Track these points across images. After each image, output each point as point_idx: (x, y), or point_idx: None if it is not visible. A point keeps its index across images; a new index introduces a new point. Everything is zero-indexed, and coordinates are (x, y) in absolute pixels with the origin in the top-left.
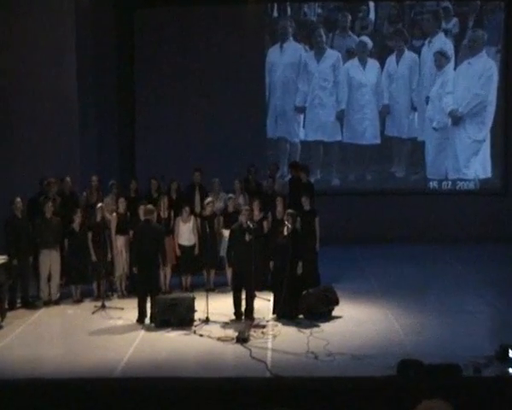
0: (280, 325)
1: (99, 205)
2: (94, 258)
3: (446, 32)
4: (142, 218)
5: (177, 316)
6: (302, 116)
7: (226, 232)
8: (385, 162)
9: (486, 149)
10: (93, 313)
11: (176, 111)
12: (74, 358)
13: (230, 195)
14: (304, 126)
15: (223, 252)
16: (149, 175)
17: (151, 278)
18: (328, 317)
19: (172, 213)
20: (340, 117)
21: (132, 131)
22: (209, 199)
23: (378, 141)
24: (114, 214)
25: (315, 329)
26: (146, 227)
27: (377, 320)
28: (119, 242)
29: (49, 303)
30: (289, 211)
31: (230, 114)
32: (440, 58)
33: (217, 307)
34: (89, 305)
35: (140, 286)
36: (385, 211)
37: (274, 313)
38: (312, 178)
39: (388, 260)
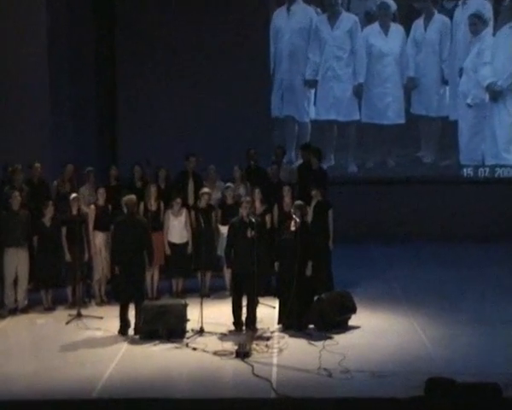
0: (287, 336)
1: (74, 196)
2: (68, 258)
3: None
4: (125, 210)
5: (167, 326)
6: (313, 91)
7: (224, 228)
8: (410, 146)
9: None
10: (67, 323)
11: (165, 86)
12: (46, 376)
13: (229, 184)
14: (315, 103)
15: (220, 251)
16: (133, 161)
17: (135, 281)
18: (343, 327)
19: (162, 206)
20: (358, 92)
21: (113, 109)
22: (204, 189)
23: (402, 120)
24: (92, 207)
25: (328, 341)
26: (128, 221)
27: (401, 331)
28: (98, 239)
29: (15, 312)
30: (298, 202)
31: (229, 89)
32: (476, 22)
33: (213, 315)
34: (62, 313)
35: (122, 291)
36: (410, 203)
37: (280, 322)
38: (325, 165)
39: (413, 261)
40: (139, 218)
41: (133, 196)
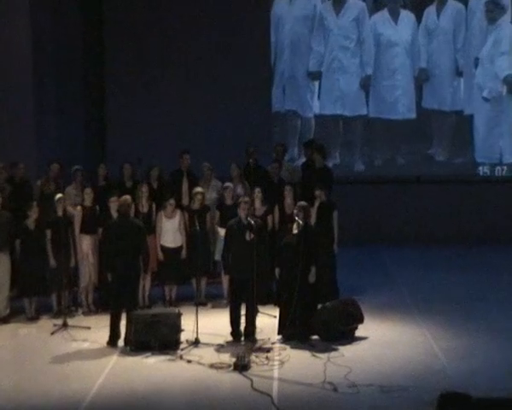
0: (289, 348)
1: (59, 196)
2: (53, 263)
3: None
4: (114, 213)
5: (159, 337)
6: (317, 84)
7: (223, 230)
8: (421, 142)
9: None
10: (52, 333)
11: (157, 80)
12: (28, 391)
13: (227, 184)
14: (319, 97)
15: (217, 255)
16: (123, 159)
17: (127, 288)
18: (349, 338)
19: (154, 207)
20: (366, 85)
21: (102, 105)
22: (197, 189)
23: (413, 115)
24: (79, 208)
25: (333, 353)
26: (122, 224)
27: (412, 342)
28: (85, 243)
29: None
30: (300, 203)
31: (226, 82)
32: (493, 9)
33: (209, 325)
34: (47, 323)
35: (113, 299)
36: (421, 204)
37: (281, 333)
38: (330, 163)
39: (425, 265)
40: (133, 220)
41: (127, 197)
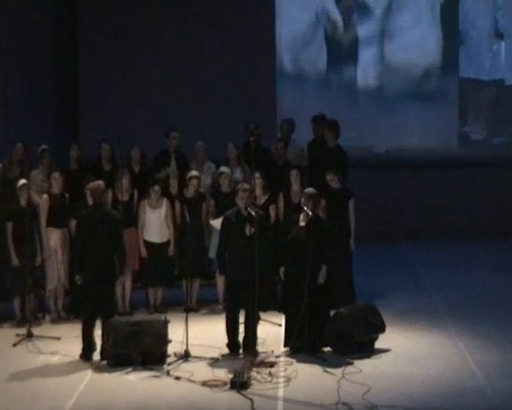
0: (296, 362)
1: (22, 182)
2: (15, 262)
3: None
4: (90, 201)
5: (142, 349)
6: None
7: (218, 223)
8: (454, 117)
9: None
10: (14, 344)
11: (140, 46)
12: None
13: (223, 168)
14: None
15: (212, 253)
16: (99, 138)
17: (101, 292)
18: (368, 350)
19: (136, 195)
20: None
21: (74, 75)
22: (193, 172)
23: (443, 85)
24: (46, 196)
25: (349, 368)
26: (95, 215)
27: (442, 355)
28: (53, 237)
29: None
30: (309, 190)
31: (221, 47)
32: None
33: (202, 335)
34: (8, 333)
35: (85, 304)
36: (452, 192)
37: (287, 344)
38: (344, 143)
39: (458, 265)
40: (109, 211)
41: (100, 183)
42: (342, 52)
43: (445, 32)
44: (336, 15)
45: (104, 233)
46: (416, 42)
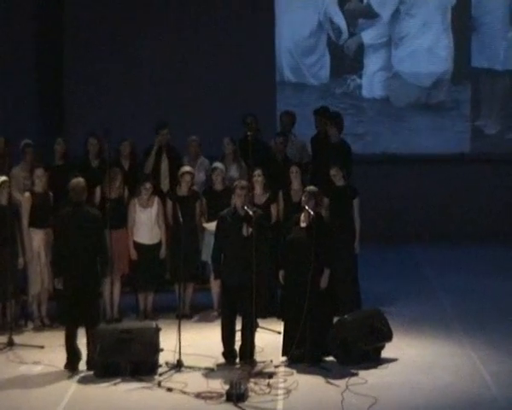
0: (296, 372)
1: (2, 179)
2: None
3: None
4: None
5: (132, 359)
6: None
7: (212, 224)
8: (467, 110)
9: None
10: None
11: (129, 33)
12: None
13: (216, 164)
14: None
15: (206, 255)
16: (86, 132)
17: (85, 297)
18: (374, 360)
19: (126, 193)
20: (389, 36)
21: (59, 64)
22: (185, 168)
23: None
24: (28, 194)
25: (353, 379)
26: (75, 215)
27: (452, 365)
28: (36, 239)
29: None
30: (311, 188)
31: (219, 34)
32: None
33: (195, 343)
34: None
35: (67, 311)
36: (465, 189)
37: (286, 353)
38: (349, 137)
39: (469, 268)
40: (89, 210)
41: (80, 180)
42: (346, 59)
43: (457, 28)
44: (340, 20)
45: (85, 234)
46: (425, 48)
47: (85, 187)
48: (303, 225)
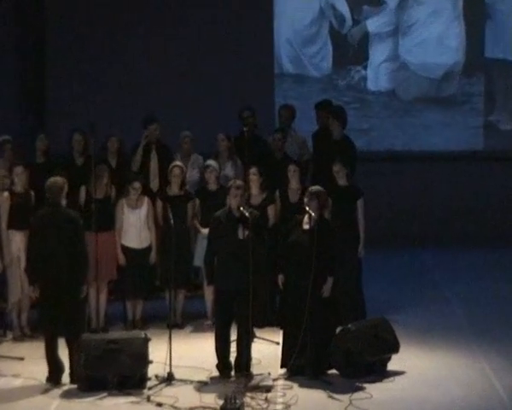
0: (296, 386)
1: None
2: None
3: None
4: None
5: (119, 371)
6: None
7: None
8: (480, 104)
9: None
10: None
11: (115, 22)
12: None
13: (209, 161)
14: None
15: (199, 260)
16: (70, 127)
17: (65, 306)
18: (379, 372)
19: (113, 193)
20: (396, 24)
21: (41, 55)
22: (176, 162)
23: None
24: (6, 194)
25: (357, 394)
26: (51, 216)
27: (465, 378)
28: (16, 241)
29: None
30: (314, 188)
31: (214, 22)
32: None
33: (187, 355)
34: None
35: (46, 320)
36: (478, 189)
37: (285, 365)
38: (352, 133)
39: (483, 273)
40: (67, 211)
41: (57, 179)
42: (350, 49)
43: (469, 16)
44: (343, 7)
45: (62, 237)
46: (435, 37)
47: (63, 186)
48: (306, 227)
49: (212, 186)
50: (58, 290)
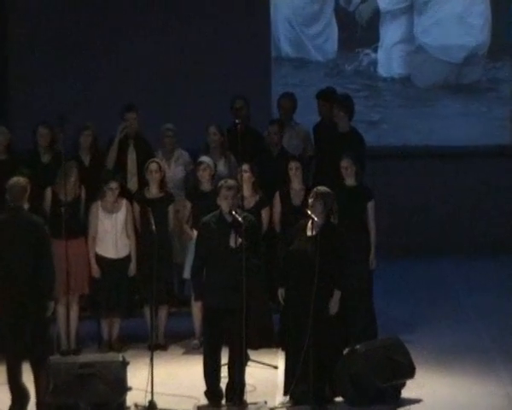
0: None
1: None
2: None
3: None
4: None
5: (93, 399)
6: None
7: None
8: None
9: None
10: None
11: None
12: None
13: (203, 158)
14: None
15: (186, 272)
16: (35, 119)
17: (23, 328)
18: (393, 400)
19: (83, 194)
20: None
21: (1, 38)
22: (155, 159)
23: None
24: None
25: None
26: (11, 222)
27: (489, 407)
28: None
29: None
30: (320, 189)
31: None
32: None
33: (172, 380)
34: None
35: (6, 343)
36: (503, 190)
37: (287, 392)
38: (361, 125)
39: (509, 285)
40: (30, 216)
41: (20, 179)
42: (358, 29)
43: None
44: None
45: (24, 245)
46: (455, 15)
47: (26, 187)
48: (310, 233)
49: (206, 186)
50: (19, 308)
